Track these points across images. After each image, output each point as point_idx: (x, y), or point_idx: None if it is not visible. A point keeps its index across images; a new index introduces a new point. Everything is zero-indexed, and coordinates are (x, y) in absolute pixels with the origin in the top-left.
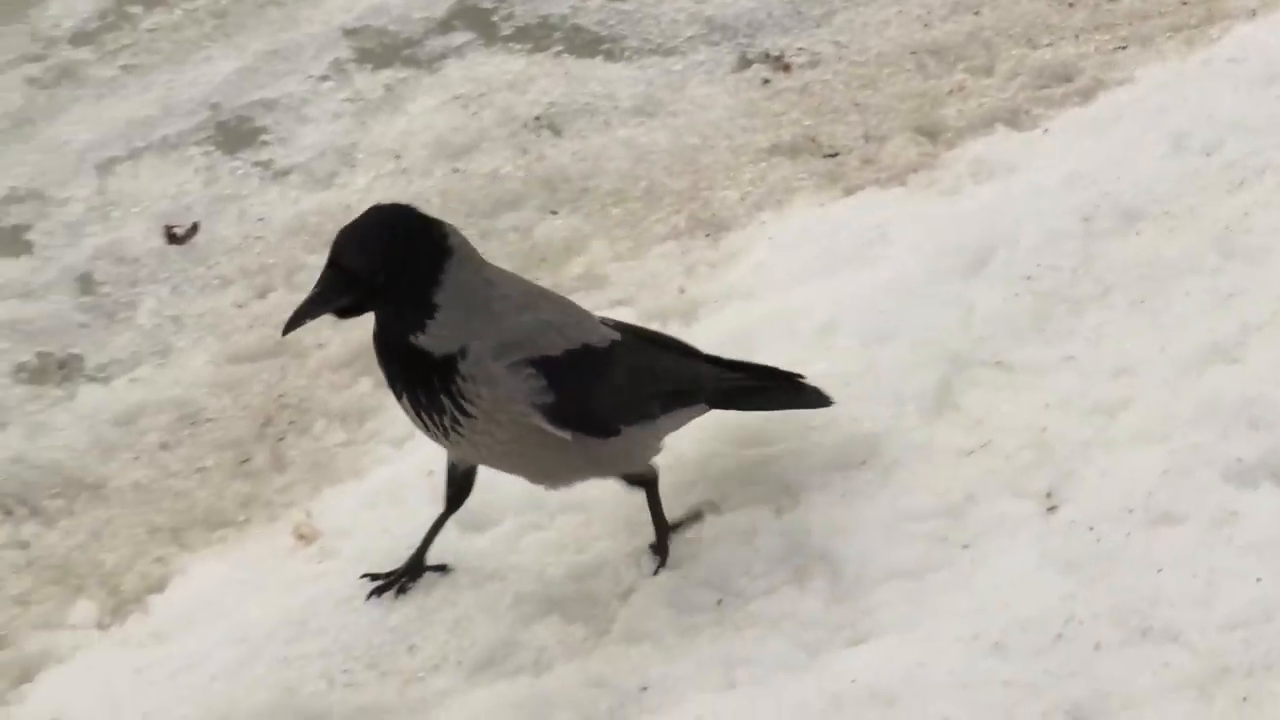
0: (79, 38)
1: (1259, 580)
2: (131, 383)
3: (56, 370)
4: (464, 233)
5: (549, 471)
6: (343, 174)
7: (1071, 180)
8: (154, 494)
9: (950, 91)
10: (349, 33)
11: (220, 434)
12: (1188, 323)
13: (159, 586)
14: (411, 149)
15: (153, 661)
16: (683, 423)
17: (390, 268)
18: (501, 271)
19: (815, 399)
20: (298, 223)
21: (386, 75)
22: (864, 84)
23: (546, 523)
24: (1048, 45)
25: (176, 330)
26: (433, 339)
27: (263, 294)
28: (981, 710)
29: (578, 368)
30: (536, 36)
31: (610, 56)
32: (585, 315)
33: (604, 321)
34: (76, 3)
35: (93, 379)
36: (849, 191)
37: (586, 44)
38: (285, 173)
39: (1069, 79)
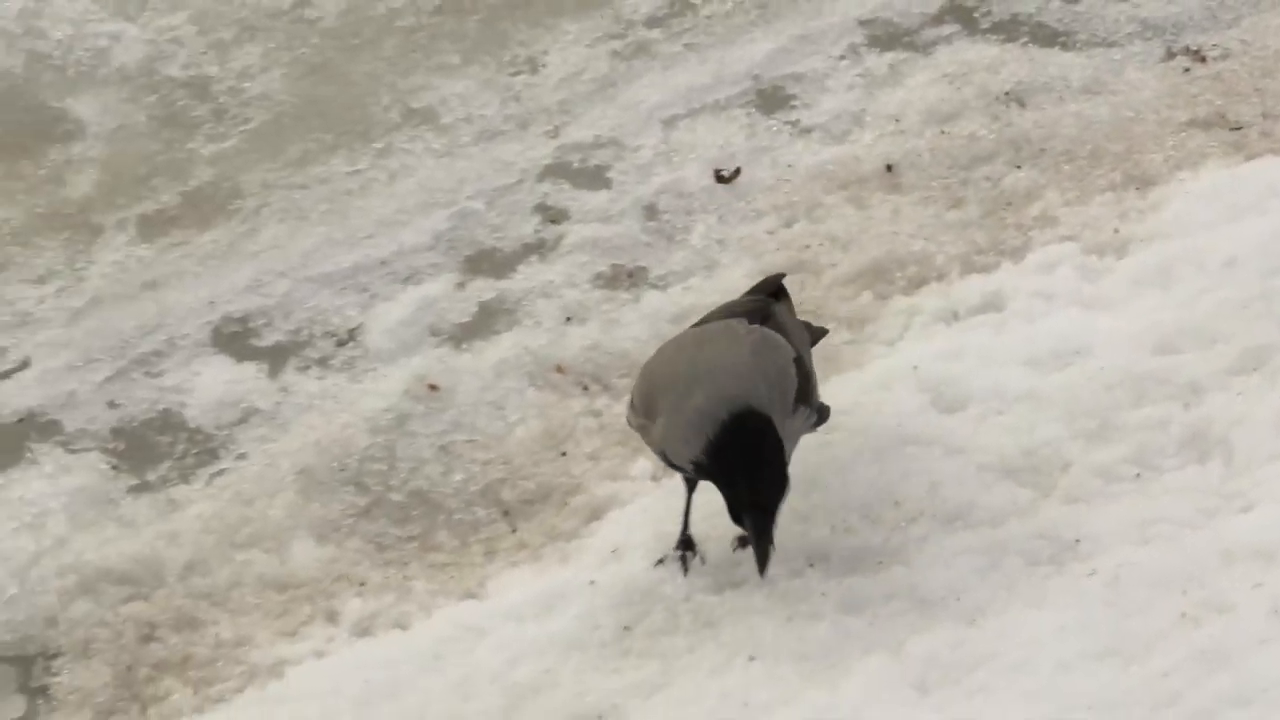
0: (651, 21)
1: None
2: (684, 290)
3: (626, 278)
4: (942, 182)
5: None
6: (854, 132)
7: None
8: None
9: None
10: (862, 23)
11: None
12: None
13: None
14: (908, 115)
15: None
16: None
17: (781, 486)
18: (762, 391)
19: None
20: (818, 169)
21: (890, 56)
22: (1264, 73)
23: (1005, 409)
24: None
25: (721, 250)
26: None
27: (789, 224)
28: None
29: (805, 379)
30: (1008, 29)
31: (1065, 47)
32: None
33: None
34: None
35: (654, 286)
36: (1249, 158)
37: (1047, 36)
38: (809, 130)
39: None
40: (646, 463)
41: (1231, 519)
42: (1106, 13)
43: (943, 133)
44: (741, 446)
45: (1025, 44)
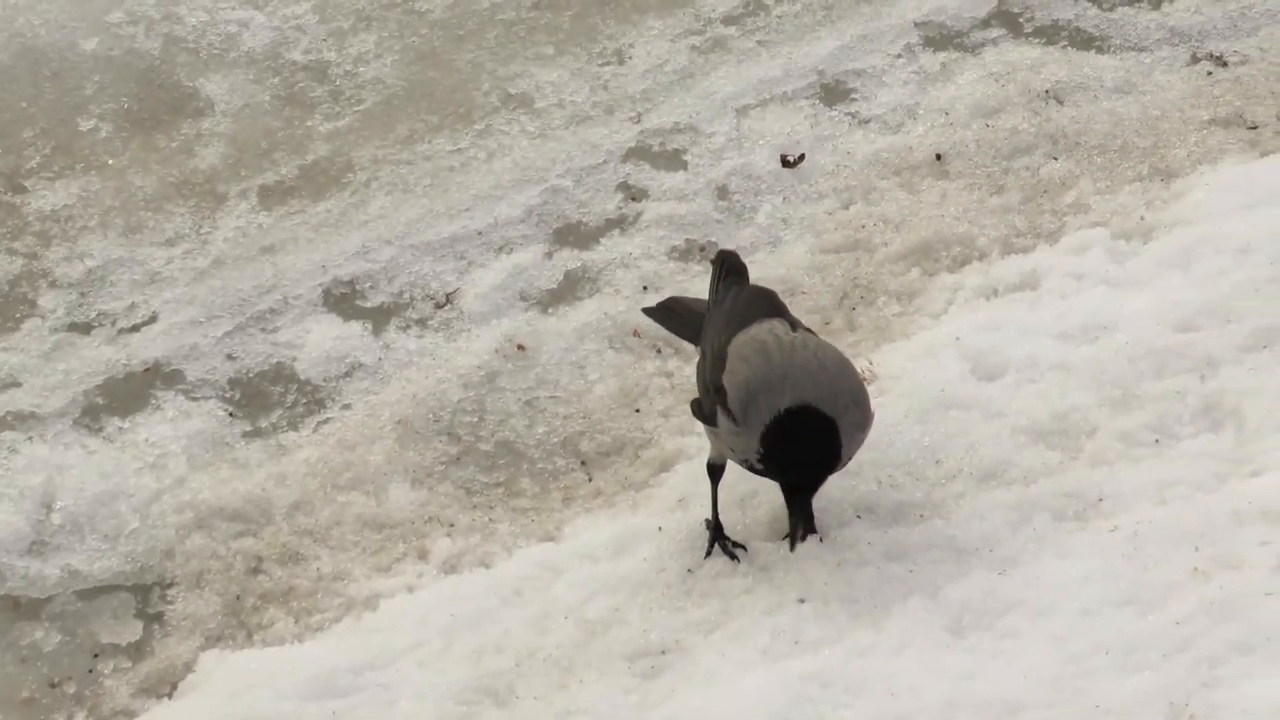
0: (728, 19)
1: None
2: (750, 263)
3: (698, 252)
4: (986, 171)
5: None
6: (907, 124)
7: None
8: None
9: None
10: (918, 25)
11: (811, 303)
12: None
13: None
14: (957, 109)
15: None
16: None
17: (827, 468)
18: (833, 391)
19: None
20: (874, 157)
21: (942, 56)
22: (1279, 78)
23: (1038, 378)
24: None
25: (785, 228)
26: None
27: (846, 206)
28: None
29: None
30: (1049, 33)
31: (1100, 50)
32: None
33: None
34: None
35: None
36: (1264, 154)
37: (1084, 40)
38: (867, 121)
39: None
40: None
41: (1242, 483)
42: (1138, 20)
43: (987, 126)
44: (790, 436)
45: (1064, 47)
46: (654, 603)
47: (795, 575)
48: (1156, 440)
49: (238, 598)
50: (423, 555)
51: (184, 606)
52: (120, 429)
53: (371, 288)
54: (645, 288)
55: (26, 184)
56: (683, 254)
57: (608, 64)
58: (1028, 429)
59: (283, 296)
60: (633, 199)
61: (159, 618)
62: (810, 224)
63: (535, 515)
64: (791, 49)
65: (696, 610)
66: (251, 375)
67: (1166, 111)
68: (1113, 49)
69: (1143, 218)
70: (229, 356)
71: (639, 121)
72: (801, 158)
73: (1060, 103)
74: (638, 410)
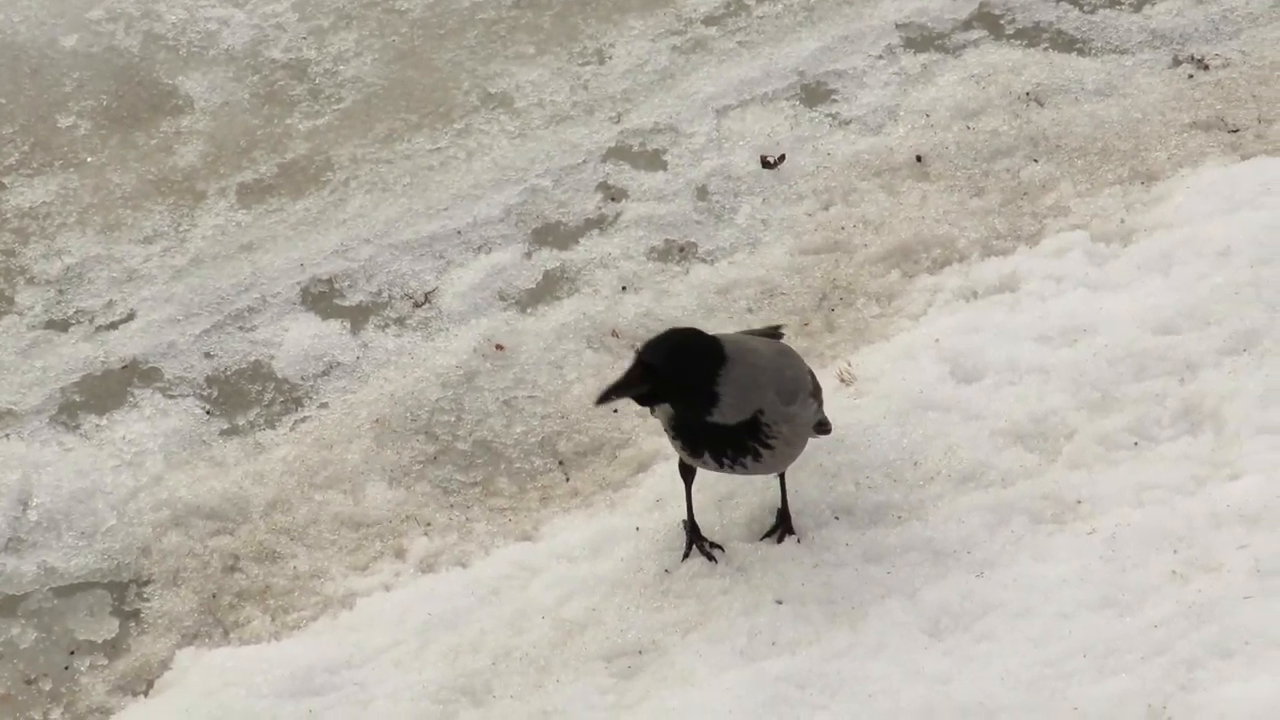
0: (709, 20)
1: None
2: (730, 264)
3: (678, 252)
4: (966, 173)
5: (789, 460)
6: (888, 125)
7: None
8: None
9: None
10: (899, 26)
11: (789, 304)
12: None
13: None
14: (937, 110)
15: None
16: None
17: (677, 367)
18: (755, 349)
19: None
20: (854, 158)
21: (923, 57)
22: (1260, 81)
23: (1017, 380)
24: None
25: (764, 229)
26: (723, 414)
27: (826, 207)
28: None
29: (817, 390)
30: (1030, 35)
31: (1081, 53)
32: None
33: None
34: None
35: (702, 260)
36: (1245, 157)
37: (1065, 43)
38: (847, 122)
39: None
40: None
41: (1220, 486)
42: (1119, 23)
43: (968, 128)
44: (662, 339)
45: (1045, 49)
46: (631, 603)
47: (773, 576)
48: (1135, 443)
49: (214, 596)
50: (400, 554)
51: (160, 604)
52: (97, 426)
53: (350, 286)
54: (624, 288)
55: (4, 181)
56: (662, 254)
57: (588, 64)
58: (1006, 431)
59: (261, 295)
60: (612, 199)
61: (135, 615)
62: (790, 225)
63: (512, 515)
64: (772, 50)
65: (673, 610)
66: (229, 373)
67: (1147, 114)
68: (1094, 51)
69: (1123, 220)
70: (207, 354)
71: (619, 121)
72: (782, 158)
73: (1041, 105)
74: (615, 410)
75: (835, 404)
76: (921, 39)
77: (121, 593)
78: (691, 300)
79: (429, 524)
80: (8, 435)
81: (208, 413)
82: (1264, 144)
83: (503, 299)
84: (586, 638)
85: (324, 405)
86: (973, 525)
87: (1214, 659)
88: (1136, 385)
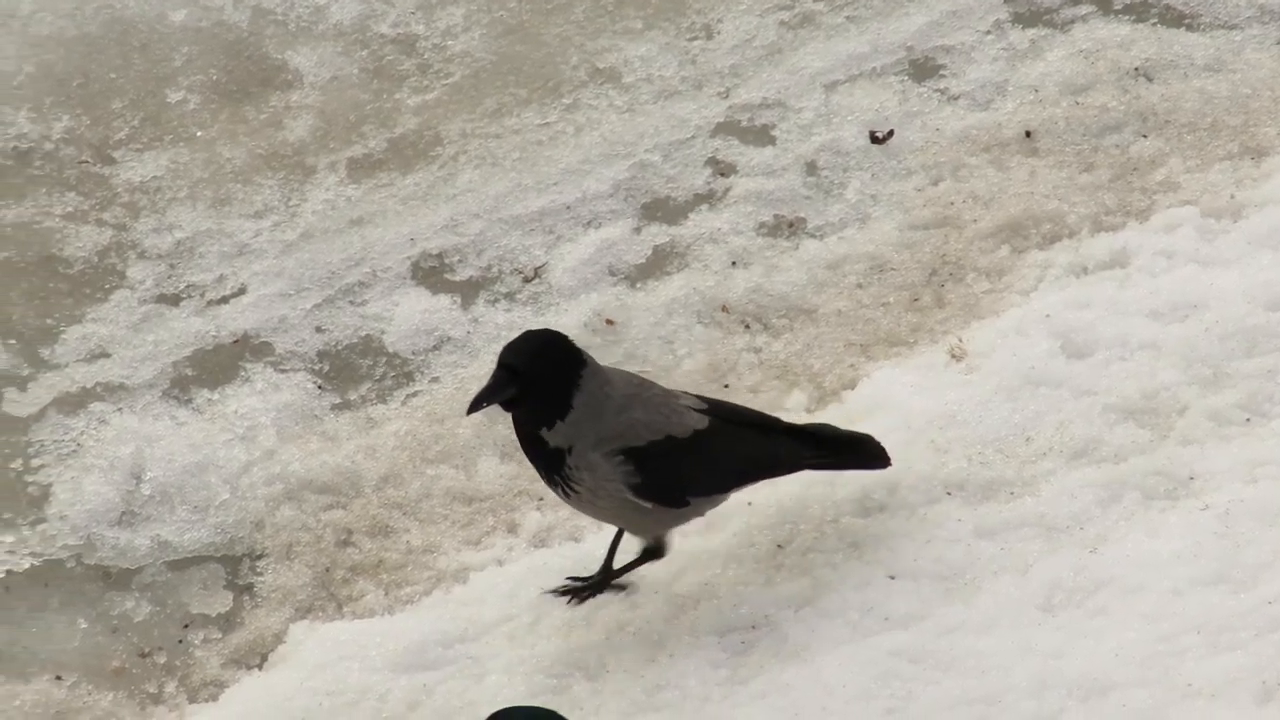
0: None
1: None
2: (839, 240)
3: (787, 228)
4: (1075, 148)
5: (636, 528)
6: (997, 101)
7: None
8: (850, 319)
9: None
10: (1007, 1)
11: (899, 279)
12: None
13: (850, 384)
14: (1046, 86)
15: None
16: (758, 483)
17: (539, 372)
18: (619, 378)
19: (876, 460)
20: (963, 134)
21: (1031, 33)
22: None
23: (1128, 356)
24: None
25: (873, 204)
26: (554, 435)
27: (935, 182)
28: None
29: (658, 455)
30: (1139, 11)
31: (1190, 28)
32: (675, 410)
33: (699, 408)
34: None
35: (811, 235)
36: None
37: (1174, 18)
38: (956, 97)
39: None
40: (802, 395)
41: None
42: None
43: (1077, 103)
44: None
45: (1154, 24)
46: (743, 578)
47: (885, 551)
48: (1247, 419)
49: (327, 570)
50: (512, 529)
51: (274, 578)
52: (210, 400)
53: (460, 261)
54: (734, 263)
55: (115, 155)
56: (771, 229)
57: (696, 39)
58: (1118, 407)
59: (371, 269)
60: (721, 174)
61: (249, 589)
62: (899, 200)
63: None
64: (880, 25)
65: (786, 585)
66: (340, 348)
67: (1257, 90)
68: (1202, 27)
69: (1233, 196)
70: (318, 329)
71: (727, 97)
72: (890, 134)
73: (1150, 80)
74: (726, 385)
75: (946, 379)
76: (1029, 14)
77: (235, 567)
78: (801, 275)
79: (541, 499)
80: (120, 409)
81: (319, 387)
82: None
83: (612, 274)
84: (699, 612)
85: (435, 380)
86: (1085, 501)
87: None
88: (1248, 361)
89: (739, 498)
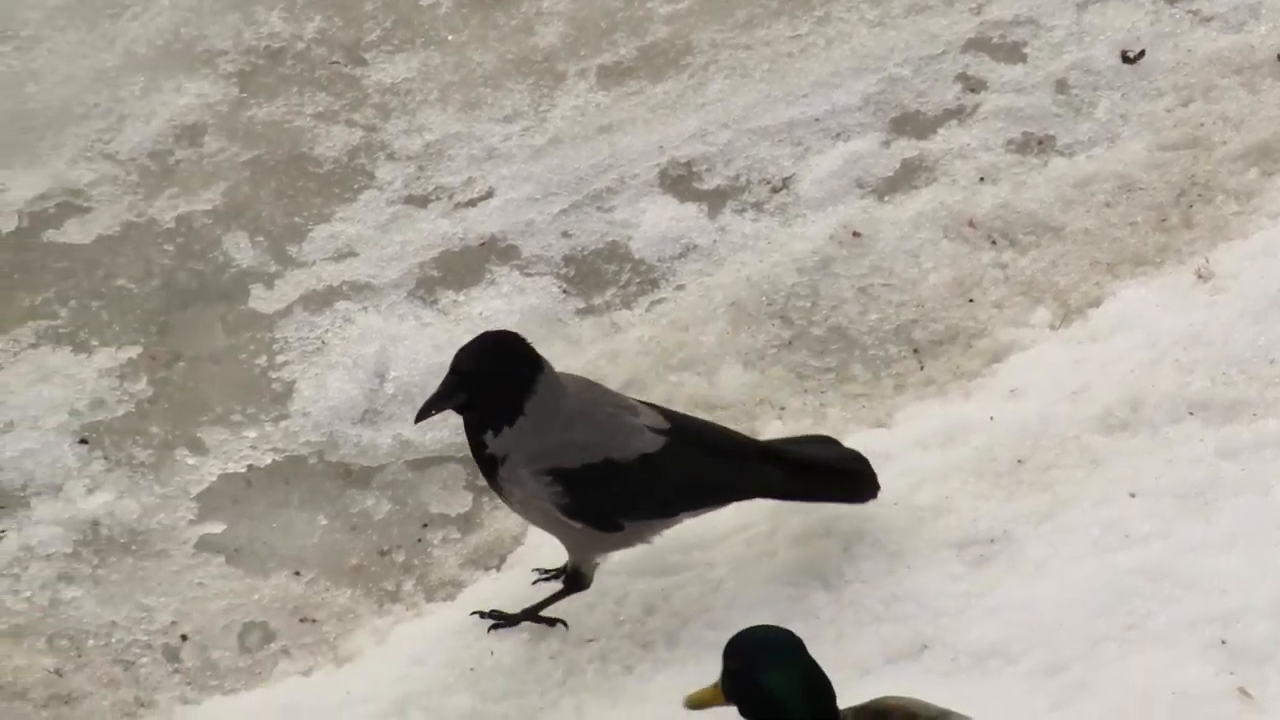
0: None
1: None
2: (1088, 159)
3: (1036, 145)
4: None
5: (570, 545)
6: (1249, 23)
7: None
8: (1097, 238)
9: None
10: None
11: (1147, 199)
12: None
13: (1095, 303)
14: None
15: (1087, 355)
16: (711, 511)
17: (486, 373)
18: (575, 389)
19: (858, 493)
20: (1215, 55)
21: None
22: None
23: None
24: None
25: (1123, 124)
26: (495, 443)
27: (1185, 103)
28: None
29: (590, 478)
30: None
31: None
32: (624, 430)
33: (659, 428)
34: None
35: (1060, 154)
36: None
37: None
38: (1208, 19)
39: None
40: (1046, 312)
41: None
42: None
43: None
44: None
45: None
46: (983, 492)
47: (1126, 469)
48: None
49: None
50: (754, 436)
51: None
52: (454, 302)
53: (708, 170)
54: (982, 179)
55: (366, 57)
56: (1020, 146)
57: None
58: None
59: (619, 176)
60: (971, 90)
61: (488, 490)
62: (1149, 121)
63: (866, 401)
64: None
65: (1026, 500)
66: (586, 253)
67: None
68: None
69: None
70: (564, 234)
71: (979, 13)
72: (1142, 54)
73: None
74: (971, 300)
75: (1192, 300)
76: None
77: (475, 468)
78: (1049, 193)
79: (783, 408)
80: (366, 308)
81: (564, 291)
82: None
83: (860, 186)
84: (938, 525)
85: (680, 287)
86: None
87: None
88: None
89: (984, 412)
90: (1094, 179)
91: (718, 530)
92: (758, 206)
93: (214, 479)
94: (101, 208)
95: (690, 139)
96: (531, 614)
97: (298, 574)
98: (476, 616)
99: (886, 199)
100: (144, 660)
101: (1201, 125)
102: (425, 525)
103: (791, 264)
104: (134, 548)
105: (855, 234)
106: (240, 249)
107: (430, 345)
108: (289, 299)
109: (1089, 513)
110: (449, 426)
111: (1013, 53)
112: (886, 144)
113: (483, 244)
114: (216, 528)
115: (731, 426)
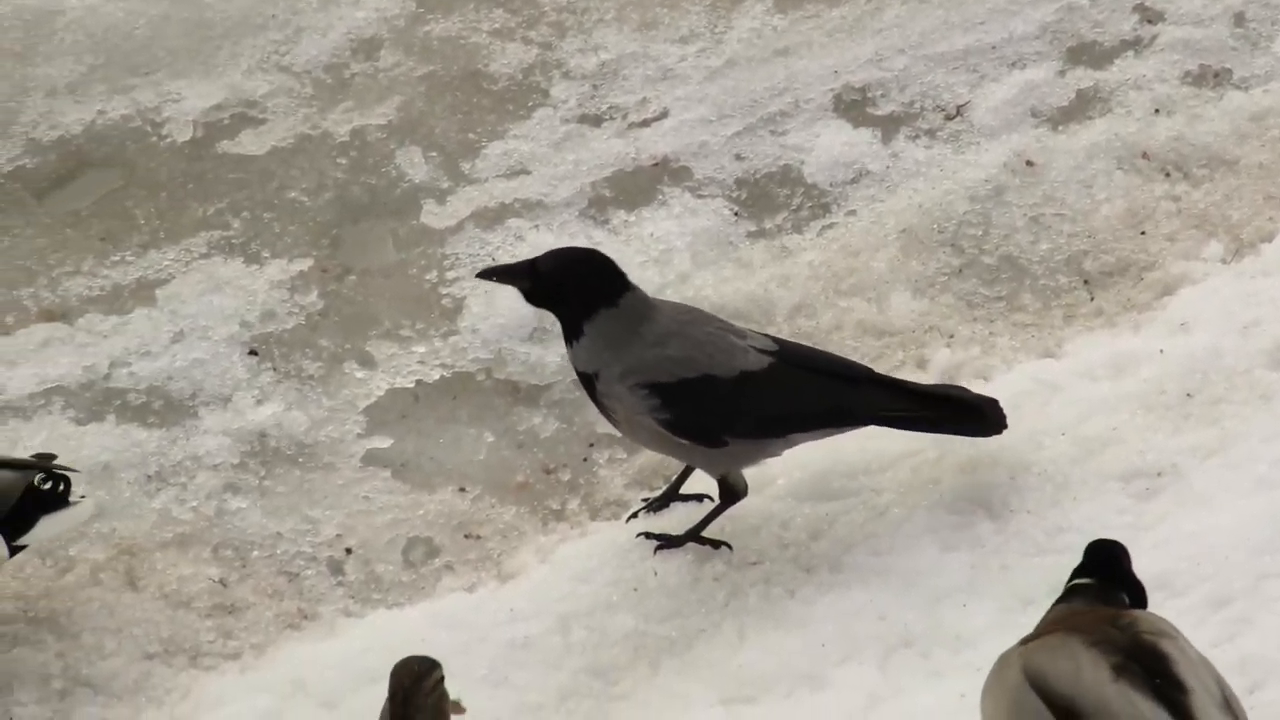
0: None
1: None
2: (1264, 92)
3: (1212, 78)
4: None
5: (700, 465)
6: None
7: None
8: (1272, 172)
9: None
10: None
11: None
12: None
13: (1268, 238)
14: None
15: (1258, 289)
16: (830, 436)
17: (558, 283)
18: (670, 311)
19: (983, 426)
20: None
21: None
22: None
23: None
24: None
25: None
26: (575, 357)
27: None
28: None
29: (688, 392)
30: None
31: None
32: (725, 350)
33: (766, 349)
34: None
35: (1236, 87)
36: None
37: None
38: None
39: None
40: (1218, 245)
41: None
42: None
43: None
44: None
45: None
46: (1151, 425)
47: None
48: None
49: None
50: (921, 364)
51: None
52: (625, 222)
53: (883, 96)
54: (1157, 110)
55: None
56: (1196, 79)
57: None
58: None
59: (794, 99)
60: (1149, 21)
61: None
62: None
63: (1035, 331)
64: None
65: (1194, 434)
66: (758, 176)
67: None
68: None
69: None
70: (737, 156)
71: None
72: None
73: None
74: (1143, 232)
75: None
76: None
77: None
78: (1224, 126)
79: (951, 336)
80: (537, 226)
81: (736, 214)
82: None
83: (1034, 115)
84: (1105, 457)
85: (851, 213)
86: None
87: None
88: None
89: (1154, 345)
90: (1270, 113)
91: (884, 456)
92: (931, 133)
93: (382, 393)
94: (276, 120)
95: (866, 64)
96: (695, 534)
97: (463, 490)
98: (642, 538)
99: (1061, 129)
100: (308, 572)
101: None
102: (591, 445)
103: (964, 192)
104: (301, 460)
105: (1029, 163)
106: (413, 164)
107: None
108: (461, 215)
109: (1257, 448)
110: None
111: None
112: (1062, 73)
113: (655, 164)
114: (383, 442)
115: (900, 354)
